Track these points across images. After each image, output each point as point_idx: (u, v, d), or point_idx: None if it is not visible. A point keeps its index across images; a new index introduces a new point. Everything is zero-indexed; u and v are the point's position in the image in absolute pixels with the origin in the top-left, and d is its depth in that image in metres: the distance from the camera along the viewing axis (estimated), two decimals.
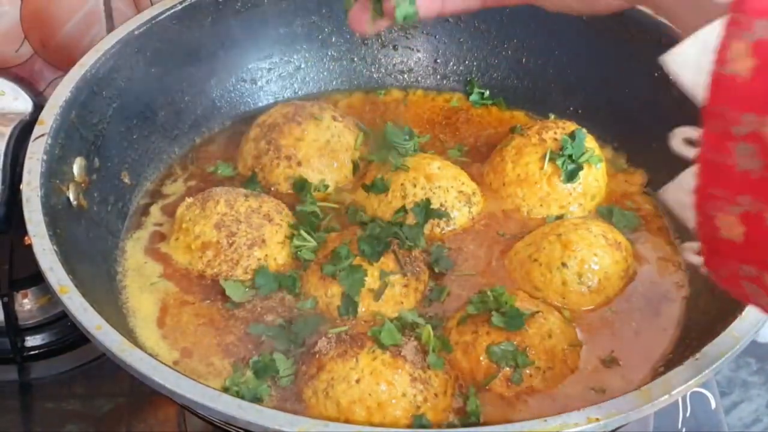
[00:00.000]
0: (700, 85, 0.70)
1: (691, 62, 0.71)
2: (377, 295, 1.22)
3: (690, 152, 0.75)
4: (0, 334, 1.43)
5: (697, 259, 0.78)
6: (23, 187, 1.17)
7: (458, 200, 1.36)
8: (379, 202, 1.35)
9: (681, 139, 0.79)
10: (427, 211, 1.33)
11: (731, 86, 0.68)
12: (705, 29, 0.70)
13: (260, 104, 1.58)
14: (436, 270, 1.29)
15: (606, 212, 1.38)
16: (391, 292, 1.23)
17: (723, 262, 0.75)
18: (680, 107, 1.44)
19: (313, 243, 1.29)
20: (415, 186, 1.35)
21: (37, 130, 1.24)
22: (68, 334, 1.45)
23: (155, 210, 1.40)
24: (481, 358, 1.15)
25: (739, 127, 0.68)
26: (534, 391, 1.15)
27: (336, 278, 1.22)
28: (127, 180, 1.40)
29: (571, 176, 1.36)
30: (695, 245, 0.77)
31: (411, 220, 1.32)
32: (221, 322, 1.24)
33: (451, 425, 1.11)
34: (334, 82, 1.63)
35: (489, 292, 1.19)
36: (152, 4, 1.49)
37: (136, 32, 1.40)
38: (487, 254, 1.34)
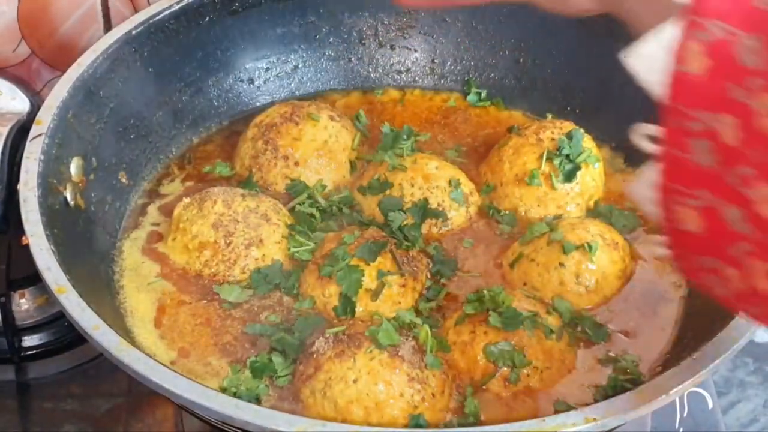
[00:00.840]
0: (658, 83, 0.72)
1: (650, 60, 0.73)
2: (375, 295, 1.22)
3: (650, 147, 0.77)
4: None
5: (664, 252, 0.80)
6: (20, 186, 1.17)
7: (456, 200, 1.36)
8: (376, 202, 1.35)
9: (642, 134, 0.81)
10: (424, 210, 1.33)
11: (688, 84, 0.70)
12: (664, 28, 0.72)
13: (258, 104, 1.58)
14: (442, 281, 1.29)
15: (604, 212, 1.38)
16: (388, 292, 1.23)
17: (686, 254, 0.77)
18: None
19: (310, 243, 1.29)
20: (412, 186, 1.35)
21: (35, 129, 1.24)
22: (66, 333, 1.45)
23: (152, 210, 1.40)
24: (479, 358, 1.15)
25: (696, 124, 0.70)
26: (532, 391, 1.15)
27: (333, 278, 1.22)
28: (124, 180, 1.39)
29: (568, 176, 1.36)
30: (661, 238, 0.79)
31: (409, 220, 1.32)
32: (218, 322, 1.24)
33: (448, 425, 1.11)
34: (331, 82, 1.63)
35: (486, 292, 1.19)
36: (149, 4, 1.49)
37: (133, 32, 1.40)
38: (485, 254, 1.34)
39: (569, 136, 1.37)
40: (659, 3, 0.77)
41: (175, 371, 1.00)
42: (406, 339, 1.13)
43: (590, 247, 1.25)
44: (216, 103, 1.55)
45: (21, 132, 1.46)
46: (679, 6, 0.72)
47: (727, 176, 0.69)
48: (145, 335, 1.22)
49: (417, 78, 1.64)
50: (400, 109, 1.59)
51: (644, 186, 0.78)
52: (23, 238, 1.12)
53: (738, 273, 0.72)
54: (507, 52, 1.60)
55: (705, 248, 0.74)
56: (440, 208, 1.34)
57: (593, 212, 1.38)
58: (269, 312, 1.24)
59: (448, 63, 1.63)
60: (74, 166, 1.27)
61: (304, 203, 1.36)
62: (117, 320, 1.20)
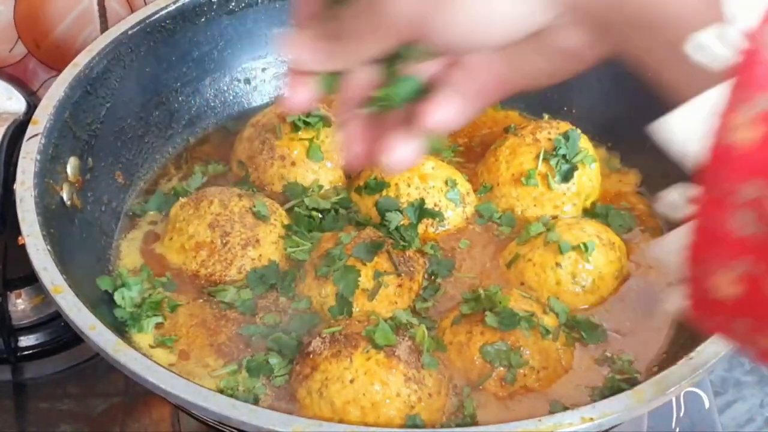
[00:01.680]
0: (694, 154, 0.67)
1: (686, 131, 0.68)
2: (371, 295, 1.22)
3: (678, 215, 0.73)
4: None
5: (678, 305, 0.76)
6: (17, 186, 1.17)
7: (452, 200, 1.36)
8: (372, 202, 1.35)
9: (668, 203, 0.78)
10: (421, 211, 1.33)
11: (734, 155, 0.65)
12: (702, 97, 0.67)
13: (254, 104, 1.58)
14: (438, 281, 1.29)
15: (600, 212, 1.38)
16: (385, 292, 1.23)
17: (713, 316, 0.74)
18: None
19: (307, 244, 1.29)
20: (409, 186, 1.35)
21: (31, 129, 1.23)
22: (62, 334, 1.45)
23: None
24: (475, 358, 1.15)
25: (741, 195, 0.65)
26: (528, 391, 1.15)
27: (330, 278, 1.22)
28: (120, 180, 1.39)
29: (565, 176, 1.36)
30: (682, 290, 0.75)
31: (405, 220, 1.32)
32: (214, 322, 1.23)
33: (445, 425, 1.11)
34: None
35: (483, 292, 1.19)
36: (146, 4, 1.49)
37: (129, 32, 1.40)
38: (481, 254, 1.34)
39: (566, 136, 1.37)
40: (693, 67, 0.69)
41: (171, 371, 1.00)
42: (403, 339, 1.13)
43: (587, 247, 1.25)
44: (212, 103, 1.55)
45: (17, 132, 1.46)
46: (716, 74, 0.67)
47: None
48: (142, 335, 1.22)
49: None
50: None
51: (671, 251, 0.74)
52: (20, 238, 1.12)
53: None
54: None
55: (739, 312, 0.70)
56: (437, 208, 1.34)
57: (590, 212, 1.38)
58: (266, 312, 1.24)
59: None
60: (71, 166, 1.27)
61: (301, 203, 1.36)
62: (113, 320, 1.20)
